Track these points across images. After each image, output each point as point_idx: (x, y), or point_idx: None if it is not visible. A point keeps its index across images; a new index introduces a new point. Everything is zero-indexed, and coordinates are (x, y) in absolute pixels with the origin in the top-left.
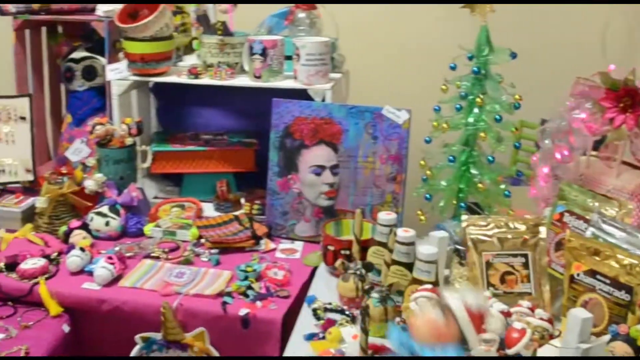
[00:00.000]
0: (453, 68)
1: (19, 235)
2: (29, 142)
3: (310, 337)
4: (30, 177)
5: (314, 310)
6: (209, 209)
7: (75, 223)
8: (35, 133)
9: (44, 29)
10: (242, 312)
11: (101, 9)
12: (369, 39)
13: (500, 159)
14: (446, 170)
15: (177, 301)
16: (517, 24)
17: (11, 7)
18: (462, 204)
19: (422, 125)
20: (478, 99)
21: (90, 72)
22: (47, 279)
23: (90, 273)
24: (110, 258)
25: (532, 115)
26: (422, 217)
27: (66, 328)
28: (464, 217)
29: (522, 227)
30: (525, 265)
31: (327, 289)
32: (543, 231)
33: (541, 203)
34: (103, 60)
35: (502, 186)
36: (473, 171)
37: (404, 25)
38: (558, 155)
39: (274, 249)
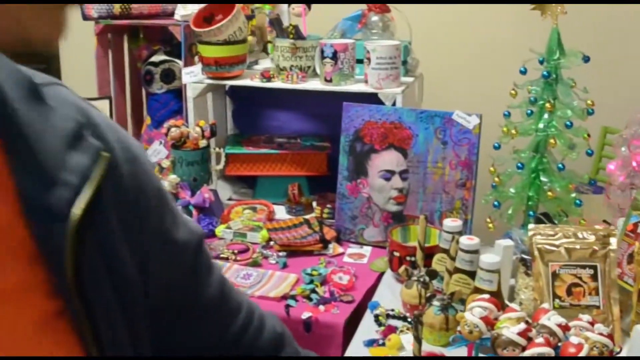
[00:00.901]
0: (523, 72)
1: None
2: None
3: (370, 343)
4: None
5: (376, 316)
6: (280, 212)
7: None
8: None
9: (125, 33)
10: (305, 315)
11: (178, 13)
12: (442, 42)
13: (575, 167)
14: (515, 177)
15: None
16: (590, 25)
17: (93, 12)
18: (531, 212)
19: (492, 131)
20: (547, 104)
21: (169, 75)
22: None
23: None
24: None
25: (612, 122)
26: (491, 225)
27: None
28: (530, 225)
29: (592, 238)
30: (594, 277)
31: (391, 295)
32: (614, 242)
33: (616, 213)
34: (181, 63)
35: (573, 195)
36: (543, 178)
37: (476, 27)
38: (634, 163)
39: (342, 253)
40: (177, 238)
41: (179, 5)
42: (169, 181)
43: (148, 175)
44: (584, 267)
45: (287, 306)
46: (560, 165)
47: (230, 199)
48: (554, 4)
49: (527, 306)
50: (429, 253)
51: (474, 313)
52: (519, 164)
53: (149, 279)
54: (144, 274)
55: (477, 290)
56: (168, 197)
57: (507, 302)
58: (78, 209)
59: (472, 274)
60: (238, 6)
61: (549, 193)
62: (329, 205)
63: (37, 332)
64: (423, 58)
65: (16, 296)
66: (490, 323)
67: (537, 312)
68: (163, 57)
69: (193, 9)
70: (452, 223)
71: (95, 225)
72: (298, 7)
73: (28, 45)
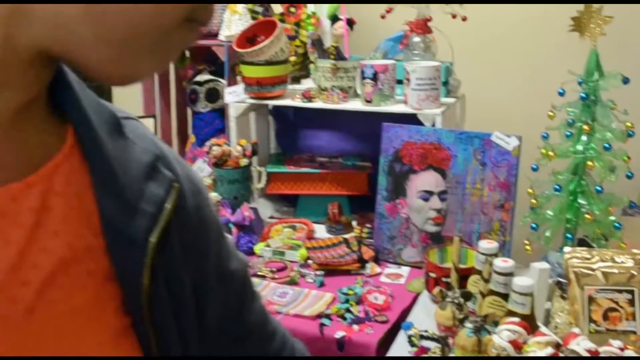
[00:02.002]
0: (562, 94)
1: None
2: None
3: None
4: None
5: (409, 337)
6: (320, 231)
7: None
8: None
9: None
10: (338, 334)
11: (222, 33)
12: (483, 63)
13: (616, 189)
14: (554, 200)
15: (277, 320)
16: (629, 47)
17: None
18: (569, 235)
19: (531, 152)
20: (586, 126)
21: (213, 95)
22: None
23: None
24: None
25: None
26: (528, 247)
27: None
28: (566, 248)
29: (630, 262)
30: (631, 302)
31: (426, 316)
32: None
33: None
34: (224, 83)
35: (612, 217)
36: (581, 201)
37: (516, 48)
38: None
39: (380, 273)
40: (231, 269)
41: (223, 26)
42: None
43: (210, 209)
44: (621, 291)
45: (321, 325)
46: (598, 188)
47: (271, 217)
48: (592, 25)
49: (562, 330)
50: (464, 274)
51: (502, 336)
52: (557, 186)
53: (205, 304)
54: (201, 299)
55: (511, 313)
56: (223, 229)
57: (539, 325)
58: (154, 237)
59: (506, 297)
60: (280, 27)
61: (587, 216)
62: (368, 225)
63: (106, 347)
64: (464, 79)
65: (89, 312)
66: (518, 347)
67: (567, 336)
68: (208, 76)
69: (237, 29)
70: (487, 245)
71: (164, 251)
72: (340, 28)
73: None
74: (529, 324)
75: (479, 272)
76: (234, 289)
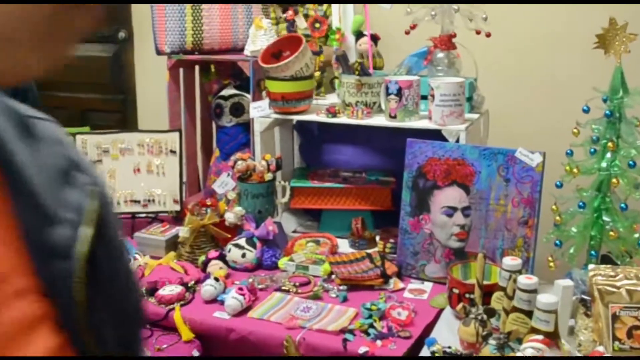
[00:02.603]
0: (586, 111)
1: (162, 262)
2: (178, 174)
3: None
4: (177, 208)
5: (432, 353)
6: (344, 245)
7: (213, 253)
8: (187, 166)
9: (197, 68)
10: (361, 350)
11: (248, 48)
12: (507, 79)
13: (638, 206)
14: (578, 217)
15: (300, 335)
16: None
17: (166, 48)
18: (593, 252)
19: (555, 169)
20: (610, 144)
21: (238, 109)
22: (182, 305)
23: (223, 302)
24: (240, 289)
25: None
26: (552, 264)
27: (196, 353)
28: (591, 266)
29: None
30: None
31: (449, 332)
32: None
33: None
34: (249, 97)
35: (637, 235)
36: (605, 218)
37: (540, 65)
38: None
39: (403, 289)
40: (133, 283)
41: (249, 41)
42: (234, 213)
43: (118, 222)
44: None
45: (345, 340)
46: (623, 205)
47: (295, 231)
48: (617, 43)
49: (585, 347)
50: (488, 291)
51: (526, 354)
52: (581, 203)
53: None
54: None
55: (534, 330)
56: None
57: (563, 343)
58: (83, 245)
59: (529, 314)
60: (305, 43)
61: (611, 233)
62: (392, 240)
63: None
64: (488, 95)
65: (18, 333)
66: None
67: (591, 354)
68: (233, 91)
69: (262, 44)
70: (511, 261)
71: (95, 260)
72: (364, 44)
73: (23, 81)
74: (553, 341)
75: (503, 289)
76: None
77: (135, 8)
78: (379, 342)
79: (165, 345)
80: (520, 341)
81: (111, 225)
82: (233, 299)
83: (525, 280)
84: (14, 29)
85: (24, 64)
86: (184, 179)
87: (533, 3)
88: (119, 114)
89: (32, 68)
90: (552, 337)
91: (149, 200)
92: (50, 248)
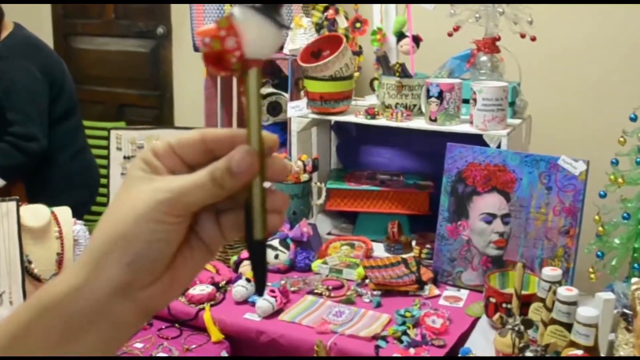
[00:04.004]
0: (633, 119)
1: None
2: None
3: None
4: None
5: None
6: (379, 249)
7: (245, 254)
8: None
9: None
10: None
11: (287, 47)
12: (551, 84)
13: None
14: (621, 228)
15: (332, 340)
16: None
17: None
18: (636, 265)
19: (599, 178)
20: None
21: (275, 108)
22: (212, 305)
23: (254, 304)
24: (272, 291)
25: None
26: (593, 276)
27: (224, 354)
28: (634, 279)
29: None
30: None
31: (485, 341)
32: None
33: None
34: (287, 96)
35: None
36: None
37: (586, 71)
38: None
39: (438, 296)
40: None
41: (288, 39)
42: None
43: None
44: None
45: (377, 347)
46: None
47: (329, 234)
48: None
49: None
50: (526, 301)
51: None
52: (625, 214)
53: None
54: None
55: (573, 344)
56: None
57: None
58: None
59: (568, 326)
60: (345, 42)
61: None
62: (428, 246)
63: None
64: (531, 99)
65: None
66: None
67: None
68: (271, 89)
69: (301, 43)
70: (551, 272)
71: None
72: (406, 45)
73: None
74: (593, 355)
75: (541, 300)
76: None
77: (175, 5)
78: (412, 350)
79: (194, 346)
80: (558, 354)
81: None
82: (264, 300)
83: (566, 292)
84: None
85: None
86: None
87: (581, 3)
88: (156, 110)
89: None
90: (591, 352)
91: None
92: None
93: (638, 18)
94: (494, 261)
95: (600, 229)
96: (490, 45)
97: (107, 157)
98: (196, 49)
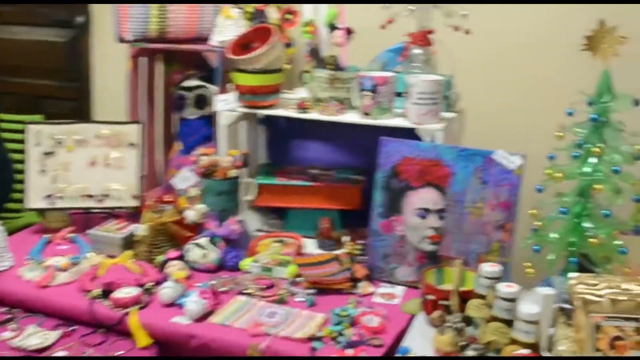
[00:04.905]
0: (570, 114)
1: (117, 261)
2: (136, 168)
3: None
4: (136, 203)
5: None
6: (311, 246)
7: (172, 254)
8: (146, 159)
9: (159, 57)
10: None
11: (215, 39)
12: (486, 77)
13: (620, 212)
14: (558, 222)
15: (265, 343)
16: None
17: (128, 35)
18: (573, 259)
19: (535, 172)
20: (595, 149)
21: (202, 101)
22: (139, 309)
23: (182, 306)
24: (202, 292)
25: None
26: (530, 270)
27: None
28: (572, 274)
29: (638, 289)
30: (639, 330)
31: (423, 340)
32: None
33: None
34: (214, 89)
35: (618, 242)
36: (586, 224)
37: (522, 64)
38: None
39: (373, 293)
40: None
41: (216, 31)
42: (196, 210)
43: None
44: (628, 319)
45: (312, 349)
46: (607, 212)
47: (259, 230)
48: (605, 45)
49: None
50: (463, 297)
51: None
52: (562, 209)
53: None
54: None
55: (515, 341)
56: None
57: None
58: None
59: (510, 323)
60: (276, 34)
61: (592, 240)
62: (360, 241)
63: None
64: (465, 93)
65: None
66: None
67: None
68: (197, 82)
69: (230, 35)
70: (490, 268)
71: None
72: (338, 37)
73: None
74: (535, 352)
75: (480, 296)
76: None
77: None
78: (349, 351)
79: (120, 352)
80: (499, 352)
81: None
82: (194, 302)
83: (506, 289)
84: None
85: None
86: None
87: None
88: (75, 102)
89: None
90: (533, 349)
91: (104, 196)
92: None
93: (575, 13)
94: (429, 257)
95: (538, 223)
96: (424, 38)
97: (22, 152)
98: (121, 40)
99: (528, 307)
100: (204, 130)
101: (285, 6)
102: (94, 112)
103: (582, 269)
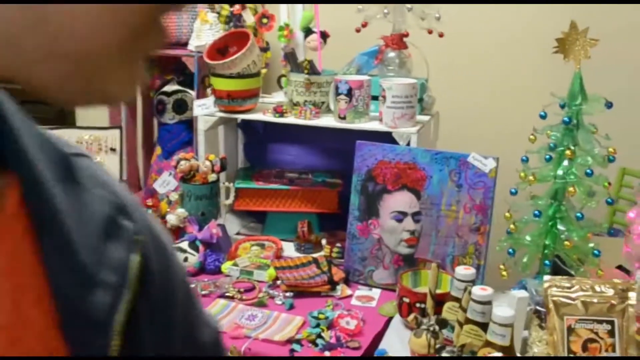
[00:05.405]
0: (543, 117)
1: None
2: (117, 173)
3: None
4: None
5: None
6: (289, 249)
7: None
8: (127, 164)
9: None
10: None
11: (192, 43)
12: (460, 80)
13: (593, 215)
14: (532, 225)
15: (246, 345)
16: (613, 70)
17: None
18: (547, 262)
19: (509, 175)
20: (568, 151)
21: (181, 106)
22: None
23: None
24: None
25: (631, 163)
26: (504, 273)
27: None
28: (546, 277)
29: (610, 292)
30: (611, 333)
31: (399, 342)
32: (633, 297)
33: (635, 263)
34: (193, 94)
35: (591, 244)
36: (560, 227)
37: (495, 67)
38: None
39: (350, 295)
40: (200, 341)
41: (193, 36)
42: (176, 215)
43: (176, 266)
44: (600, 322)
45: (292, 351)
46: (579, 215)
47: (238, 234)
48: (577, 48)
49: None
50: (439, 300)
51: None
52: (536, 212)
53: None
54: None
55: (489, 344)
56: (193, 290)
57: (518, 356)
58: (121, 314)
59: (484, 326)
60: (252, 39)
61: (566, 242)
62: (338, 244)
63: None
64: (439, 96)
65: None
66: None
67: None
68: (176, 87)
69: (207, 39)
70: (464, 271)
71: (131, 329)
72: (314, 41)
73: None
74: (509, 355)
75: (455, 299)
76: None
77: None
78: (327, 353)
79: None
80: (474, 354)
81: (155, 288)
82: None
83: (480, 291)
84: (106, 43)
85: (105, 84)
86: (124, 177)
87: (489, 3)
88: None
89: (110, 91)
90: (507, 351)
91: None
92: (86, 315)
93: (548, 15)
94: (405, 259)
95: (512, 226)
96: (398, 41)
97: None
98: None
99: (502, 310)
100: (183, 135)
101: (261, 10)
102: (76, 116)
103: (557, 271)
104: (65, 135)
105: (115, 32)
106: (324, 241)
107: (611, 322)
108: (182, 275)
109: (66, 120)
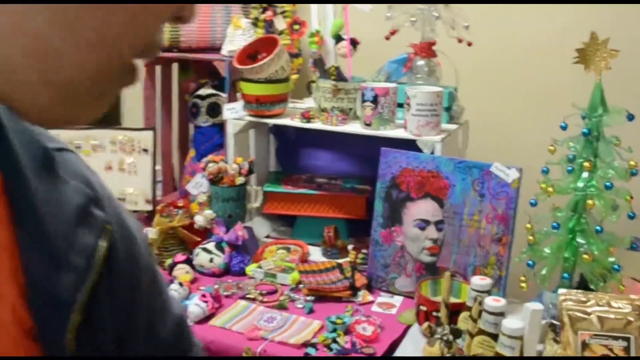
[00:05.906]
0: (564, 128)
1: None
2: (150, 173)
3: None
4: (149, 207)
5: None
6: (316, 254)
7: (180, 257)
8: (162, 165)
9: (174, 66)
10: None
11: (225, 48)
12: (487, 90)
13: (616, 229)
14: (552, 237)
15: (261, 347)
16: (635, 81)
17: None
18: (566, 275)
19: (532, 186)
20: (586, 163)
21: (214, 109)
22: None
23: (185, 309)
24: (204, 296)
25: None
26: (524, 285)
27: None
28: (561, 290)
29: (627, 308)
30: (627, 349)
31: (415, 350)
32: None
33: None
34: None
35: (612, 259)
36: (580, 240)
37: (522, 77)
38: None
39: (371, 302)
40: (160, 336)
41: (227, 41)
42: (204, 216)
43: (143, 255)
44: (616, 338)
45: (306, 354)
46: (598, 228)
47: (268, 237)
48: (597, 58)
49: None
50: (456, 309)
51: None
52: (555, 224)
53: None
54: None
55: (499, 356)
56: (159, 278)
57: None
58: (83, 294)
59: (496, 337)
60: (281, 45)
61: (585, 256)
62: (364, 250)
63: None
64: (468, 105)
65: None
66: None
67: None
68: (210, 90)
69: (239, 44)
70: (480, 281)
71: (92, 310)
72: (344, 48)
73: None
74: None
75: (471, 309)
76: (163, 352)
77: None
78: None
79: None
80: None
81: (122, 265)
82: (195, 305)
83: (493, 302)
84: (91, 77)
85: (80, 111)
86: (160, 178)
87: (516, 2)
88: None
89: (82, 116)
90: None
91: (121, 199)
92: (52, 295)
93: (574, 27)
94: (427, 268)
95: (531, 237)
96: (427, 49)
97: None
98: None
99: (511, 322)
100: (216, 137)
101: (293, 17)
102: (120, 119)
103: (584, 287)
104: (99, 135)
105: (97, 69)
106: (350, 247)
107: (627, 339)
108: (149, 264)
109: (109, 120)
